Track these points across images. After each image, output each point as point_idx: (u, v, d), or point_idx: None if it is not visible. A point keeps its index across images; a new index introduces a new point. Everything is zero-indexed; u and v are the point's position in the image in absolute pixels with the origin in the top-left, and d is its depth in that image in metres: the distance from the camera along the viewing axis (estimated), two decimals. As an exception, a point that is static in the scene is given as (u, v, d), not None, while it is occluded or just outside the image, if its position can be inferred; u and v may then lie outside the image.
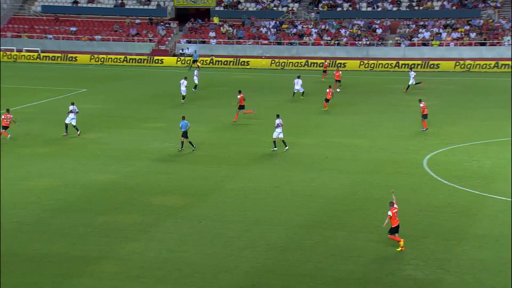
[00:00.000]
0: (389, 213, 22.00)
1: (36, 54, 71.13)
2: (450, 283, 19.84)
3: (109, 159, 32.79)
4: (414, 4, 73.47)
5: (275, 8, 76.42)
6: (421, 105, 38.94)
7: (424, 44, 68.56)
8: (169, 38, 73.68)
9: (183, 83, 47.34)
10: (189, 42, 72.43)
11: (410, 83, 52.16)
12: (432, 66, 64.94)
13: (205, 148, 35.19)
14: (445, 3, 72.73)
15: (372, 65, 66.10)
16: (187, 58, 69.41)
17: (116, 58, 70.01)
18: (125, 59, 69.90)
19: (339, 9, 75.21)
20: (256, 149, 35.10)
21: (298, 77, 49.62)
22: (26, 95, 48.98)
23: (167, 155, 33.80)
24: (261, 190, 28.32)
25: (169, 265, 20.86)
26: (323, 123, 41.81)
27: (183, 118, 34.44)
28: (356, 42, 69.84)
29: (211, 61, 68.76)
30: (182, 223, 24.42)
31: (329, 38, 70.97)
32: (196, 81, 52.53)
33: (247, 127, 40.38)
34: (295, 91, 49.09)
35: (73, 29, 74.53)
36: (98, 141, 36.34)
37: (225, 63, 68.59)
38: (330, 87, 45.71)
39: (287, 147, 34.32)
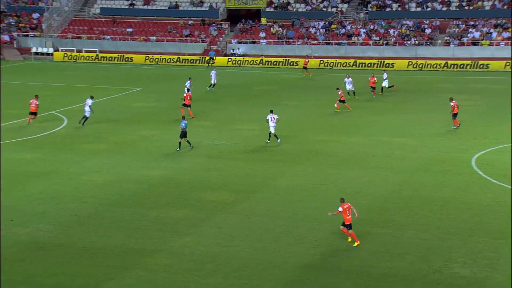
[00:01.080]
0: (340, 209, 22.01)
1: (94, 54, 72.47)
2: (498, 282, 19.38)
3: (161, 156, 33.16)
4: (464, 4, 71.99)
5: (324, 9, 76.01)
6: (452, 103, 38.36)
7: (473, 44, 67.12)
8: (221, 39, 74.08)
9: (188, 83, 46.53)
10: (239, 42, 72.70)
11: (383, 85, 50.37)
12: (481, 66, 63.57)
13: (255, 146, 35.24)
14: (495, 2, 71.04)
15: (420, 65, 65.10)
16: (237, 58, 69.73)
17: (170, 58, 70.78)
18: (178, 59, 70.61)
19: (388, 9, 74.31)
20: (304, 147, 34.98)
21: (348, 77, 49.25)
22: (85, 93, 49.92)
23: (217, 152, 33.99)
24: (308, 187, 28.21)
25: (219, 259, 20.98)
26: (371, 122, 41.38)
27: (183, 118, 34.60)
28: (405, 42, 68.88)
29: (261, 61, 68.84)
30: (232, 219, 24.52)
31: (377, 38, 70.20)
32: (214, 81, 52.35)
33: (296, 126, 40.27)
34: (349, 90, 48.73)
35: (129, 30, 75.66)
36: (152, 139, 36.80)
37: (275, 63, 68.57)
38: (338, 89, 44.98)
39: (279, 140, 35.13)
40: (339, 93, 44.22)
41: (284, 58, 68.71)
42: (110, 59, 71.61)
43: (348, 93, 48.30)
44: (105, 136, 37.09)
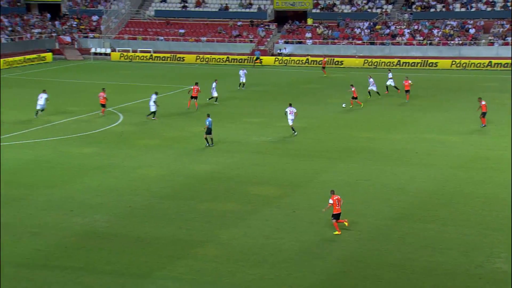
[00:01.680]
0: (330, 201, 22.23)
1: (149, 54, 73.39)
2: (540, 278, 18.88)
3: (211, 151, 33.37)
4: (508, 4, 70.15)
5: (369, 10, 75.21)
6: (483, 103, 37.68)
7: (517, 43, 65.43)
8: (268, 39, 74.07)
9: (214, 85, 46.25)
10: (286, 42, 72.59)
11: (388, 83, 48.94)
12: (525, 64, 61.92)
13: (300, 142, 35.14)
14: (540, 2, 69.11)
15: (464, 64, 63.79)
16: (284, 58, 69.63)
17: (219, 58, 71.16)
18: (227, 59, 70.91)
19: (432, 10, 73.03)
20: (349, 143, 34.71)
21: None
22: (139, 92, 50.67)
23: (264, 148, 34.01)
24: (352, 182, 27.98)
25: (265, 250, 21.00)
26: (414, 119, 40.77)
27: (208, 115, 34.34)
28: (449, 42, 67.59)
29: (307, 61, 68.56)
30: (277, 212, 24.51)
31: (421, 38, 69.08)
32: (243, 80, 52.04)
33: (340, 123, 40.00)
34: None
35: (182, 31, 76.37)
36: (201, 135, 37.01)
37: (320, 62, 68.19)
38: (352, 85, 44.57)
39: (295, 133, 35.70)
40: (352, 89, 43.90)
41: (329, 58, 68.27)
42: (163, 58, 72.42)
43: (369, 92, 47.51)
44: (158, 132, 37.54)
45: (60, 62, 70.79)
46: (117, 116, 41.94)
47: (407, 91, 46.23)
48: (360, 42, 70.26)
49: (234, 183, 28.09)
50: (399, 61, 66.19)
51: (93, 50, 74.95)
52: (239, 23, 76.47)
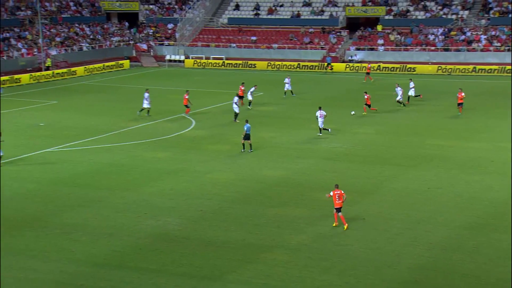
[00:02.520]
0: (330, 193, 23.27)
1: (221, 61, 74.37)
2: None
3: (280, 157, 33.45)
4: None
5: (444, 16, 73.51)
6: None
7: None
8: (339, 46, 73.63)
9: (251, 90, 46.63)
10: (358, 49, 71.95)
11: (409, 94, 47.66)
12: None
13: (370, 149, 34.73)
14: None
15: (543, 71, 61.39)
16: (355, 64, 69.02)
17: (290, 64, 71.27)
18: (298, 66, 70.94)
19: (510, 15, 70.63)
20: (420, 150, 34.03)
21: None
22: (212, 97, 51.41)
23: (334, 155, 33.81)
24: (423, 190, 27.40)
25: (334, 257, 20.87)
26: (489, 127, 39.53)
27: (247, 121, 34.56)
28: (527, 48, 65.22)
29: (379, 67, 67.69)
30: (347, 219, 24.28)
31: (499, 44, 66.92)
32: (288, 87, 51.54)
33: (412, 130, 39.26)
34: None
35: (254, 38, 76.99)
36: (271, 140, 37.22)
37: (392, 69, 67.19)
38: (366, 92, 44.21)
39: (329, 130, 37.73)
40: (366, 97, 43.64)
41: (402, 64, 67.18)
42: (235, 65, 73.19)
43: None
44: (228, 137, 37.95)
45: (137, 69, 72.76)
46: (189, 121, 42.70)
47: (460, 104, 43.55)
48: (433, 48, 68.78)
49: (303, 188, 28.06)
50: (474, 67, 64.37)
51: (167, 57, 76.62)
52: (310, 30, 76.40)
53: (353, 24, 77.21)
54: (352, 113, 43.09)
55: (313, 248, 21.60)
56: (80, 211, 25.13)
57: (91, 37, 76.51)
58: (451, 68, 65.09)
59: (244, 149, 34.17)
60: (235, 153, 34.28)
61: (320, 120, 37.58)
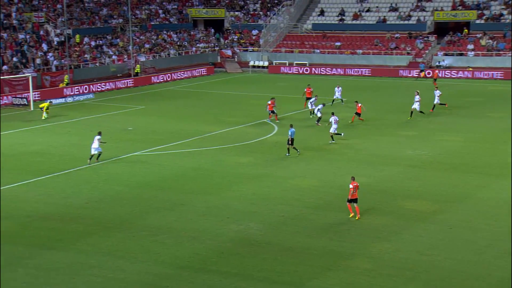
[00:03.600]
0: (350, 185, 24.72)
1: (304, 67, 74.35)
2: None
3: (363, 163, 33.00)
4: None
5: (540, 19, 70.43)
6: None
7: None
8: (426, 51, 71.92)
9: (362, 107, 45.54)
10: (446, 54, 70.01)
11: (435, 102, 46.03)
12: None
13: (458, 157, 33.67)
14: None
15: None
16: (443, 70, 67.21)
17: (375, 70, 70.28)
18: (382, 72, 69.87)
19: None
20: (509, 159, 32.62)
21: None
22: (294, 103, 51.43)
23: (420, 162, 33.00)
24: (515, 201, 26.27)
25: (419, 267, 20.34)
26: None
27: (291, 126, 34.70)
28: None
29: (467, 73, 65.57)
30: (432, 228, 23.64)
31: None
32: (338, 96, 50.27)
33: (501, 138, 37.74)
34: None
35: (338, 44, 76.50)
36: (355, 147, 36.79)
37: (482, 74, 64.98)
38: (356, 102, 42.94)
39: (342, 135, 37.81)
40: (357, 106, 42.59)
41: (492, 71, 64.83)
42: (318, 71, 72.91)
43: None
44: (311, 143, 37.81)
45: (221, 75, 73.92)
46: (272, 126, 42.89)
47: None
48: (528, 53, 65.98)
49: (386, 196, 27.56)
50: None
51: (251, 63, 77.39)
52: (396, 35, 75.08)
53: (441, 29, 75.24)
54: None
55: (396, 257, 21.15)
56: (165, 214, 25.75)
57: (178, 43, 78.45)
58: (546, 74, 62.20)
59: (288, 153, 34.56)
60: (318, 158, 34.11)
61: (334, 126, 37.30)
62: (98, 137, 33.45)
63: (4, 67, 58.71)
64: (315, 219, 24.99)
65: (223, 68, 77.21)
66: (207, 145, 37.76)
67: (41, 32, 67.28)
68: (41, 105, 47.71)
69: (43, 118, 46.32)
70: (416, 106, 44.48)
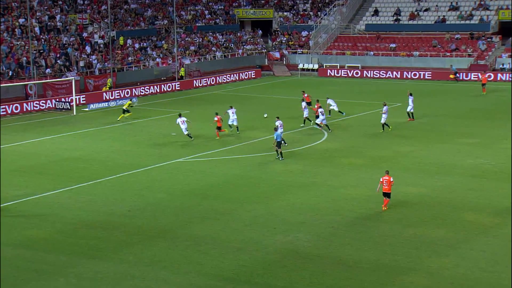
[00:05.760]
0: (380, 179, 26.65)
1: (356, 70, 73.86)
2: None
3: (420, 172, 32.50)
4: None
5: None
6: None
7: None
8: (490, 53, 70.46)
9: None
10: (511, 57, 68.42)
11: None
12: None
13: (524, 167, 32.82)
14: None
15: None
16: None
17: (433, 73, 69.27)
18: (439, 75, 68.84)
19: None
20: None
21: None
22: (345, 108, 51.04)
23: (481, 172, 32.29)
24: None
25: (481, 284, 19.86)
26: None
27: (275, 129, 36.20)
28: None
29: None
30: (495, 243, 23.07)
31: None
32: (334, 108, 47.55)
33: None
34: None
35: (393, 45, 75.73)
36: (410, 155, 36.28)
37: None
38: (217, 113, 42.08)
39: (285, 144, 37.80)
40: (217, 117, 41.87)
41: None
42: (371, 74, 72.31)
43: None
44: (362, 151, 37.48)
45: (268, 78, 74.05)
46: (321, 133, 42.69)
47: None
48: None
49: (444, 207, 27.04)
50: None
51: (300, 65, 77.30)
52: (457, 36, 73.83)
53: (506, 29, 73.61)
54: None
55: (456, 273, 20.71)
56: (209, 223, 25.87)
57: (224, 45, 78.97)
58: None
59: (278, 155, 35.36)
60: (370, 167, 33.77)
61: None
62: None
63: (48, 70, 60.25)
64: (367, 230, 24.71)
65: (270, 71, 77.35)
66: (253, 152, 37.83)
67: (85, 34, 68.80)
68: (124, 106, 49.64)
69: (126, 116, 48.46)
70: (383, 119, 42.38)
